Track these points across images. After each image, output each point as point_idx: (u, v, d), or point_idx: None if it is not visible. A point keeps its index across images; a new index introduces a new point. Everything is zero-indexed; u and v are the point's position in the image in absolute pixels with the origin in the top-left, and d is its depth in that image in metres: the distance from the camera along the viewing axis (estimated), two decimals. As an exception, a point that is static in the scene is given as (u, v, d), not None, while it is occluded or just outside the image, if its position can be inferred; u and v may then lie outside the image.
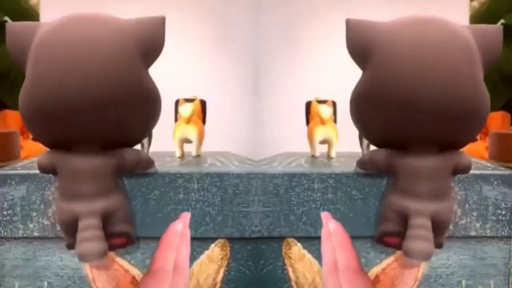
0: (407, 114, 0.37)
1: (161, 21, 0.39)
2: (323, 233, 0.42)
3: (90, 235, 0.36)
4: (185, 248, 0.41)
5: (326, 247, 0.42)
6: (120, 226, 0.39)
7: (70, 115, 0.36)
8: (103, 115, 0.36)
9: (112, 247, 0.39)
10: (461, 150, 0.40)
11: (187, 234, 0.42)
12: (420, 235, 0.37)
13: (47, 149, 0.40)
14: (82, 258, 0.36)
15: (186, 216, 0.42)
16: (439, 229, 0.39)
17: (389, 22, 0.39)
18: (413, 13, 0.39)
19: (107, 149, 0.39)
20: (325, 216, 0.42)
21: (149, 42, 0.39)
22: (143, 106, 0.39)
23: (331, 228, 0.42)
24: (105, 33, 0.37)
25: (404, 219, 0.39)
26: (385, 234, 0.41)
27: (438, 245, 0.40)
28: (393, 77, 0.36)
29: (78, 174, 0.38)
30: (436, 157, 0.38)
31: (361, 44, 0.39)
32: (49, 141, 0.39)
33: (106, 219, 0.38)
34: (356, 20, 0.40)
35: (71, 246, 0.39)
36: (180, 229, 0.41)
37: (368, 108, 0.39)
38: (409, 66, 0.36)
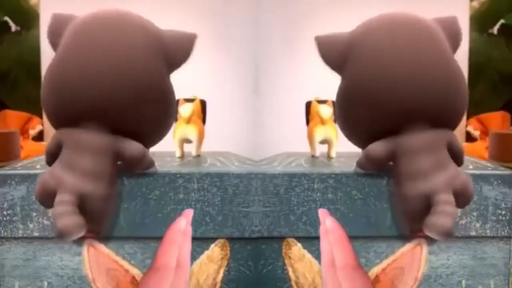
0: (390, 107, 0.38)
1: (193, 38, 0.42)
2: (321, 231, 0.42)
3: (66, 210, 0.36)
4: (187, 246, 0.42)
5: (324, 244, 0.42)
6: (90, 223, 0.38)
7: (86, 94, 0.37)
8: (116, 105, 0.38)
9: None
10: (453, 132, 0.41)
11: (190, 231, 0.42)
12: (447, 211, 0.37)
13: (47, 148, 0.40)
14: (61, 233, 0.35)
15: (189, 213, 0.42)
16: (459, 193, 0.38)
17: (354, 28, 0.42)
18: (396, 12, 0.42)
19: (114, 134, 0.39)
20: (322, 213, 0.42)
21: (175, 54, 0.41)
22: (158, 107, 0.40)
23: (328, 226, 0.42)
24: (136, 32, 0.39)
25: (426, 202, 0.38)
26: (417, 231, 0.40)
27: (461, 205, 0.40)
28: (371, 76, 0.39)
29: (79, 145, 0.38)
30: (430, 131, 0.39)
31: (334, 56, 0.42)
32: (60, 115, 0.39)
33: (83, 205, 0.37)
34: (323, 36, 0.42)
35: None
36: (183, 226, 0.42)
37: (355, 110, 0.40)
38: (383, 61, 0.38)
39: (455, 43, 0.41)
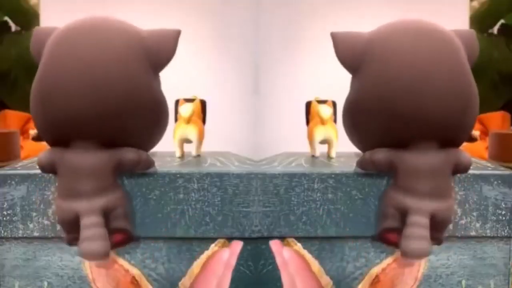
0: (406, 118, 0.37)
1: (175, 34, 0.40)
2: (279, 263, 0.42)
3: (92, 234, 0.36)
4: (227, 278, 0.41)
5: (284, 276, 0.42)
6: (119, 222, 0.40)
7: (71, 113, 0.36)
8: (103, 118, 0.37)
9: (112, 245, 0.39)
10: (460, 148, 0.40)
11: (233, 263, 0.41)
12: (416, 234, 0.37)
13: (47, 148, 0.40)
14: (86, 257, 0.36)
15: (237, 246, 0.42)
16: (438, 227, 0.39)
17: (375, 30, 0.41)
18: (399, 17, 0.41)
19: (107, 147, 0.39)
20: (275, 244, 0.42)
21: (158, 53, 0.39)
22: (146, 114, 0.39)
23: (285, 257, 0.42)
24: (115, 38, 0.37)
25: (404, 216, 0.39)
26: (385, 231, 0.41)
27: (438, 241, 0.40)
28: (390, 84, 0.37)
29: (77, 172, 0.38)
30: (436, 154, 0.39)
31: (352, 55, 0.40)
32: (50, 136, 0.39)
33: (105, 216, 0.38)
34: (341, 32, 0.41)
35: (71, 242, 0.39)
36: (226, 258, 0.41)
37: (365, 116, 0.40)
38: (405, 71, 0.37)
39: (472, 58, 0.40)
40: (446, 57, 0.37)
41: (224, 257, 0.41)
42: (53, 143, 0.39)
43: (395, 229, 0.40)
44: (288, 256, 0.41)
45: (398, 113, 0.38)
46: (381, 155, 0.40)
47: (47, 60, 0.38)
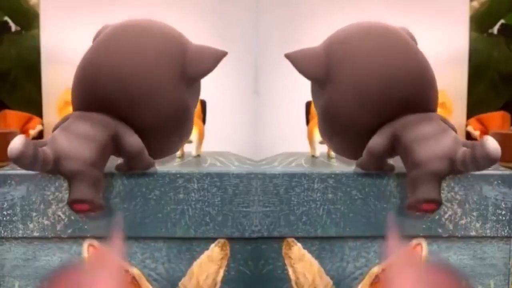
0: (386, 102, 0.40)
1: (219, 55, 0.42)
2: None
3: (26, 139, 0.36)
4: None
5: None
6: (82, 192, 0.38)
7: (103, 88, 0.39)
8: (126, 102, 0.39)
9: (77, 212, 0.39)
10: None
11: None
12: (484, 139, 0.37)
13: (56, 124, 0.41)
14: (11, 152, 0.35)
15: None
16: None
17: (327, 41, 0.44)
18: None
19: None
20: None
21: (193, 68, 0.41)
22: (165, 124, 0.41)
23: None
24: (155, 46, 0.40)
25: (444, 164, 0.38)
26: (421, 201, 0.38)
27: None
28: (361, 81, 0.40)
29: (82, 116, 0.39)
30: (420, 113, 0.41)
31: (316, 69, 0.42)
32: (80, 100, 0.41)
33: (64, 166, 0.38)
34: (298, 52, 0.44)
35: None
36: None
37: (346, 118, 0.41)
38: (372, 68, 0.40)
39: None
40: (394, 43, 0.41)
41: None
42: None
43: (433, 199, 0.38)
44: None
45: (375, 103, 0.40)
46: (380, 140, 0.40)
47: (96, 45, 0.41)
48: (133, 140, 0.40)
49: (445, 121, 0.42)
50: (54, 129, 0.40)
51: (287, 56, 0.43)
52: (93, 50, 0.41)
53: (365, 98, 0.40)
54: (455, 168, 0.38)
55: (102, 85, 0.39)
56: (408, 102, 0.40)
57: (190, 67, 0.41)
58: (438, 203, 0.38)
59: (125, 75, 0.39)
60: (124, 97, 0.39)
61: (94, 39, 0.43)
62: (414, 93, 0.41)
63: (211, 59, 0.42)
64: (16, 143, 0.35)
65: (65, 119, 0.40)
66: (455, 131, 0.42)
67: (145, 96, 0.39)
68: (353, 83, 0.40)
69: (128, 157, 0.40)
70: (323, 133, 0.45)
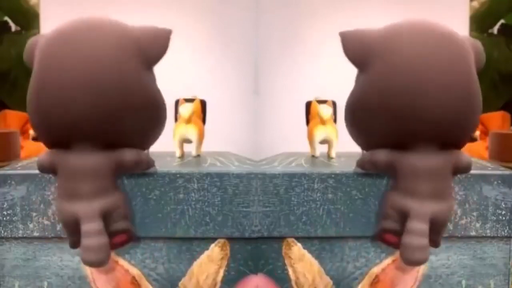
0: (405, 118, 0.37)
1: (167, 34, 0.40)
2: None
3: (92, 244, 0.37)
4: None
5: None
6: (120, 224, 0.40)
7: (70, 116, 0.36)
8: (100, 118, 0.37)
9: (113, 246, 0.39)
10: (461, 149, 0.40)
11: None
12: (415, 244, 0.38)
13: (46, 150, 0.40)
14: (87, 264, 0.37)
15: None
16: (437, 229, 0.39)
17: (384, 28, 0.40)
18: (408, 17, 0.41)
19: (107, 148, 0.39)
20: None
21: (149, 51, 0.39)
22: (143, 112, 0.39)
23: None
24: (105, 39, 0.37)
25: (404, 218, 0.39)
26: (384, 231, 0.41)
27: (436, 244, 0.40)
28: (394, 83, 0.37)
29: (77, 173, 0.38)
30: (436, 155, 0.39)
31: (359, 54, 0.40)
32: (49, 139, 0.39)
33: (106, 218, 0.38)
34: (349, 31, 0.41)
35: (74, 245, 0.39)
36: None
37: (367, 113, 0.40)
38: (409, 71, 0.37)
39: (478, 66, 0.40)
40: (452, 61, 0.37)
41: None
42: (52, 145, 0.39)
43: (394, 231, 0.40)
44: None
45: (398, 112, 0.38)
46: (381, 156, 0.40)
47: (40, 64, 0.37)
48: (128, 156, 0.39)
49: (459, 164, 0.39)
50: (42, 171, 0.39)
51: (341, 34, 0.41)
52: (41, 79, 0.37)
53: (388, 104, 0.38)
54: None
55: (72, 112, 0.36)
56: (437, 128, 0.38)
57: (148, 52, 0.39)
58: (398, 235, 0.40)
59: (91, 92, 0.36)
60: (100, 117, 0.37)
61: (28, 60, 0.39)
62: (443, 123, 0.37)
63: (165, 39, 0.40)
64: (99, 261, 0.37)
65: (48, 166, 0.39)
66: (467, 172, 0.40)
67: (118, 97, 0.37)
68: (385, 84, 0.38)
69: (130, 169, 0.40)
70: (344, 116, 0.43)
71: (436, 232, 0.39)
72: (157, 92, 0.40)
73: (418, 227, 0.38)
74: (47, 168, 0.39)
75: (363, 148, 0.43)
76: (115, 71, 0.37)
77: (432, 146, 0.39)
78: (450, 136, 0.39)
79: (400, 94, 0.37)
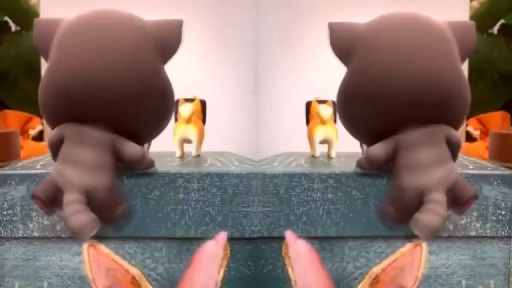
0: (397, 102, 0.39)
1: (179, 24, 0.42)
2: (292, 254, 0.41)
3: (76, 209, 0.36)
4: (215, 270, 0.41)
5: (297, 267, 0.41)
6: (115, 197, 0.40)
7: (88, 91, 0.37)
8: (116, 101, 0.38)
9: (115, 219, 0.40)
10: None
11: (219, 254, 0.41)
12: (432, 209, 0.37)
13: (47, 150, 0.40)
14: (77, 232, 0.36)
15: (222, 237, 0.41)
16: (454, 191, 0.39)
17: (369, 21, 0.42)
18: (409, 13, 0.42)
19: (115, 133, 0.40)
20: (290, 236, 0.41)
21: (166, 42, 0.41)
22: (156, 101, 0.40)
23: (299, 249, 0.41)
24: (125, 27, 0.39)
25: (419, 199, 0.39)
26: (385, 214, 0.41)
27: (459, 213, 0.40)
28: (376, 69, 0.39)
29: (80, 139, 0.39)
30: (427, 128, 0.40)
31: (343, 44, 0.42)
32: (62, 116, 0.40)
33: (91, 199, 0.38)
34: (338, 23, 0.42)
35: (49, 211, 0.39)
36: (211, 249, 0.41)
37: (356, 102, 0.41)
38: (390, 56, 0.39)
39: (465, 49, 0.41)
40: (433, 48, 0.39)
41: (209, 249, 0.41)
42: (64, 122, 0.40)
43: (395, 206, 0.40)
44: (301, 249, 0.41)
45: (385, 98, 0.39)
46: (381, 150, 0.40)
47: (60, 49, 0.39)
48: (132, 149, 0.40)
49: (451, 137, 0.40)
50: (51, 146, 0.40)
51: (329, 24, 0.42)
52: (59, 58, 0.39)
53: (375, 93, 0.39)
54: (423, 200, 0.39)
55: (87, 90, 0.38)
56: (423, 110, 0.39)
57: (164, 44, 0.41)
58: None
59: (109, 77, 0.38)
60: (114, 100, 0.38)
61: (41, 42, 0.41)
62: (429, 102, 0.39)
63: (178, 30, 0.42)
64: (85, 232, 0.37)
65: (58, 137, 0.40)
66: (459, 147, 0.41)
67: (135, 83, 0.38)
68: (369, 74, 0.39)
69: (130, 163, 0.40)
70: (337, 108, 0.45)
71: (455, 192, 0.39)
72: (168, 83, 0.42)
73: (436, 196, 0.38)
74: (56, 142, 0.39)
75: (358, 139, 0.43)
76: (134, 58, 0.38)
77: (424, 124, 0.40)
78: (439, 114, 0.40)
79: (387, 82, 0.39)
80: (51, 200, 0.38)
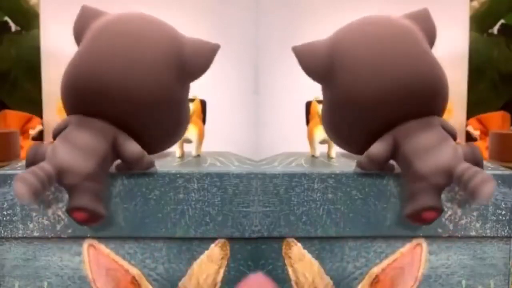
0: (389, 104, 0.39)
1: (213, 48, 0.42)
2: None
3: (28, 175, 0.35)
4: None
5: None
6: (81, 200, 0.38)
7: (103, 88, 0.38)
8: (125, 114, 0.39)
9: (76, 220, 0.39)
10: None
11: None
12: (476, 172, 0.37)
13: (55, 127, 0.41)
14: (15, 194, 0.35)
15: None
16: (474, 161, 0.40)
17: (335, 35, 0.43)
18: (371, 17, 0.43)
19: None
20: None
21: (193, 63, 0.41)
22: (165, 127, 0.41)
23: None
24: (154, 42, 0.39)
25: (443, 176, 0.38)
26: (424, 210, 0.39)
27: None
28: (363, 82, 0.39)
29: (82, 124, 0.39)
30: (422, 119, 0.40)
31: (316, 66, 0.42)
32: (76, 106, 0.40)
33: (71, 190, 0.38)
34: (302, 45, 0.43)
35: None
36: None
37: (349, 117, 0.41)
38: (372, 63, 0.39)
39: (431, 36, 0.43)
40: (402, 44, 0.40)
41: None
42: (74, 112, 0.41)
43: (433, 208, 0.39)
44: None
45: (376, 105, 0.39)
46: (381, 148, 0.40)
47: (90, 42, 0.40)
48: (133, 147, 0.40)
49: (445, 125, 0.41)
50: (54, 132, 0.41)
51: (293, 49, 0.43)
52: (86, 51, 0.40)
53: (364, 102, 0.40)
54: (453, 181, 0.39)
55: (102, 89, 0.39)
56: (412, 105, 0.40)
57: (189, 64, 0.41)
58: (439, 211, 0.39)
59: (124, 79, 0.38)
60: (125, 102, 0.39)
61: (78, 28, 0.42)
62: (417, 99, 0.40)
63: (210, 54, 0.41)
64: (21, 192, 0.34)
65: (65, 124, 0.40)
66: (455, 135, 0.42)
67: (145, 99, 0.39)
68: (353, 85, 0.40)
69: (129, 163, 0.40)
70: (326, 130, 0.45)
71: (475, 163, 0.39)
72: (183, 106, 0.42)
73: (465, 165, 0.38)
74: (60, 129, 0.40)
75: (355, 152, 0.44)
76: (151, 77, 0.39)
77: (414, 118, 0.40)
78: (427, 104, 0.41)
79: (373, 90, 0.39)
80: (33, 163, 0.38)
